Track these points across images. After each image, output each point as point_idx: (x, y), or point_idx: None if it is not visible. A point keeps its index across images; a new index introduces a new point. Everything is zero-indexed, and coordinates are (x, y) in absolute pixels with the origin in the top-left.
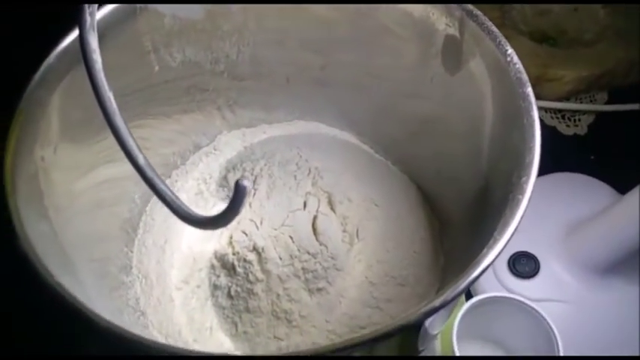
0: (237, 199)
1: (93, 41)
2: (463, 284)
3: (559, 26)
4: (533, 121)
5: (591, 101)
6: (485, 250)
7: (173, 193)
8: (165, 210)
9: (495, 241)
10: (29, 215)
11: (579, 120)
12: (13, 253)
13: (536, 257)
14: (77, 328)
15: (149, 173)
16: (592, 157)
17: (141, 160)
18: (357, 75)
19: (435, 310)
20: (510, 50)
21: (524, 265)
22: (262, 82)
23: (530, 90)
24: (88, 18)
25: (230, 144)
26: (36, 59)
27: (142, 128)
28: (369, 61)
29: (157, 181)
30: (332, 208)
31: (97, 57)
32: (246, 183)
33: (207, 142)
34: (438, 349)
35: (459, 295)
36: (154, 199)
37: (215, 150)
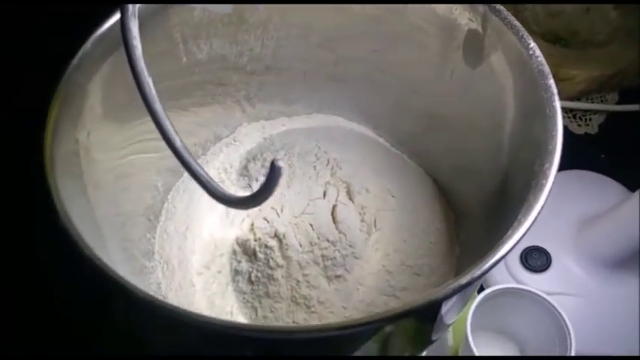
0: (272, 178)
1: (134, 27)
2: (489, 262)
3: (571, 27)
4: (555, 111)
5: (602, 101)
6: (510, 231)
7: (208, 175)
8: (187, 198)
9: (520, 223)
10: (69, 191)
11: (590, 119)
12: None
13: (547, 252)
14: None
15: (186, 156)
16: (602, 156)
17: (178, 143)
18: (374, 70)
19: (461, 288)
20: (532, 44)
21: (536, 259)
22: (282, 76)
23: (552, 82)
24: (130, 5)
25: (250, 135)
26: (73, 45)
27: None
28: (388, 57)
29: (193, 163)
30: (350, 198)
31: (137, 43)
32: (282, 164)
33: (228, 134)
34: (449, 340)
35: (484, 273)
36: (176, 187)
37: (235, 141)
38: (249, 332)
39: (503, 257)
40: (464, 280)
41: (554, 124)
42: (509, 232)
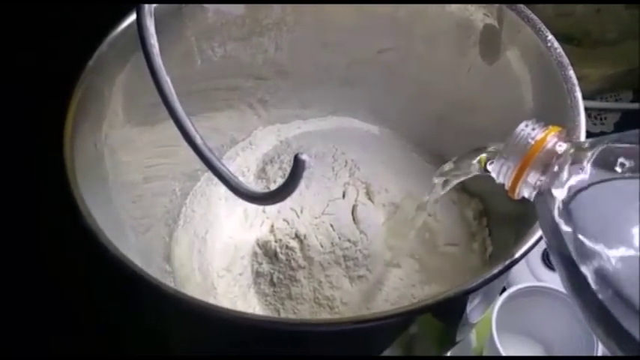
0: (296, 172)
1: (150, 26)
2: (519, 252)
3: (582, 27)
4: (577, 101)
5: (616, 100)
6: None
7: (230, 172)
8: (205, 202)
9: None
10: (92, 193)
11: (605, 118)
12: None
13: None
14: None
15: (207, 153)
16: None
17: (198, 141)
18: (386, 73)
19: (490, 280)
20: (550, 36)
21: None
22: (296, 79)
23: (572, 72)
24: (146, 4)
25: (265, 139)
26: (88, 47)
27: (172, 126)
28: (401, 57)
29: (214, 161)
30: (370, 198)
31: (154, 41)
32: (305, 157)
33: (244, 137)
34: (473, 342)
35: (513, 264)
36: (193, 191)
37: (251, 145)
38: (270, 325)
39: (532, 248)
40: (493, 270)
41: (578, 114)
42: (536, 225)
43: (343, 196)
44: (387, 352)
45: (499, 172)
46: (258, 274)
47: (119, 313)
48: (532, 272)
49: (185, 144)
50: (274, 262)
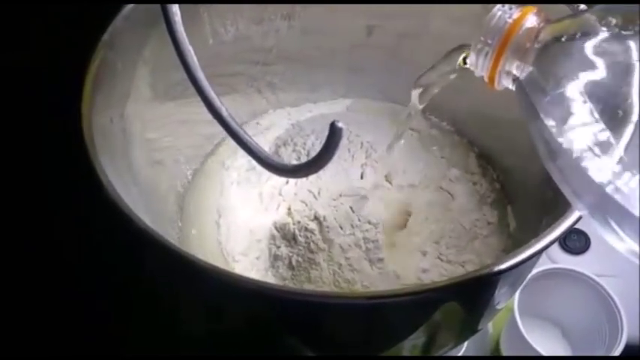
0: (332, 141)
1: None
2: (563, 227)
3: None
4: None
5: None
6: None
7: (258, 145)
8: (218, 187)
9: None
10: (114, 170)
11: None
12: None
13: (586, 233)
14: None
15: (233, 125)
16: None
17: (224, 112)
18: (390, 59)
19: (529, 258)
20: (582, 6)
21: (575, 241)
22: (305, 63)
23: None
24: None
25: (276, 123)
26: (101, 22)
27: (186, 107)
28: (416, 36)
29: (241, 133)
30: (388, 180)
31: (176, 9)
32: (341, 124)
33: (254, 122)
34: (490, 329)
35: (553, 242)
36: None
37: (262, 128)
38: (288, 295)
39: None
40: (536, 247)
41: None
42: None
43: (362, 177)
44: (409, 341)
45: (477, 61)
46: (276, 258)
47: (131, 285)
48: (548, 255)
49: (197, 127)
50: (293, 245)
